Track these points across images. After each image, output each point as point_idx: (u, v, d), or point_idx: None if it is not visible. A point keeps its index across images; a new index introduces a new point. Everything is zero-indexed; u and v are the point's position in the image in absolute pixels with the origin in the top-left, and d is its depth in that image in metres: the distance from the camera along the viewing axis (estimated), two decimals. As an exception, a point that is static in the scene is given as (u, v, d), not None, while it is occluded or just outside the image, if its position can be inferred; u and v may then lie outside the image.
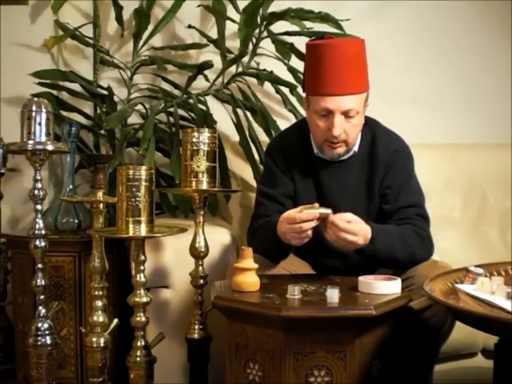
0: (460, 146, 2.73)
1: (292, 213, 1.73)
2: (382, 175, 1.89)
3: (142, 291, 1.75)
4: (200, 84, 2.59)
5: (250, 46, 2.56)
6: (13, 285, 2.34)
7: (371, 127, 1.94)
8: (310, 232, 1.71)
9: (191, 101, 2.45)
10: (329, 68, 1.78)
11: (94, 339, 1.90)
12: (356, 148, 1.90)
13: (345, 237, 1.67)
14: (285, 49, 2.61)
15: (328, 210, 1.69)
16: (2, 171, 2.37)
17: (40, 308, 1.81)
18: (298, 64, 2.52)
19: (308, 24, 2.55)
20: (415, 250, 1.79)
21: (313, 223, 1.69)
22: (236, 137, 2.47)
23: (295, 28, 2.54)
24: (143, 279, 1.75)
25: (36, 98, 1.80)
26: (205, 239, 1.95)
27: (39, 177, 1.78)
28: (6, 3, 2.59)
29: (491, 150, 2.72)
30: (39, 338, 1.79)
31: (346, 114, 1.80)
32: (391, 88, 2.83)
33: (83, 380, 2.19)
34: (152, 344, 1.83)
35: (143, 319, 1.76)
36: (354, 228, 1.68)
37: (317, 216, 1.68)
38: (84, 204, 2.33)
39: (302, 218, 1.69)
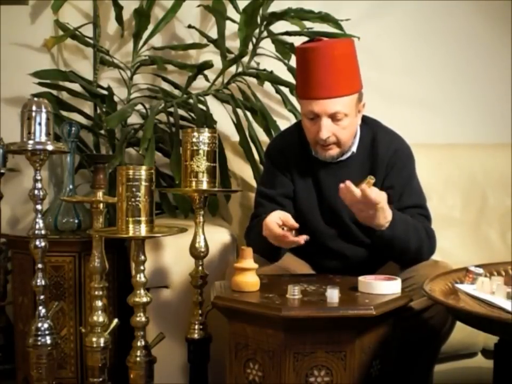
0: (460, 146, 2.73)
1: (273, 228, 1.73)
2: (383, 175, 1.89)
3: (142, 291, 1.75)
4: (200, 83, 2.59)
5: (250, 46, 2.56)
6: (13, 285, 2.34)
7: (371, 127, 1.94)
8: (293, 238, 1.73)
9: (191, 101, 2.45)
10: (314, 71, 1.77)
11: (94, 339, 1.90)
12: (354, 149, 1.90)
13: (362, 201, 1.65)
14: (285, 49, 2.61)
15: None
16: (2, 171, 2.37)
17: (40, 308, 1.81)
18: (298, 64, 2.52)
19: (308, 24, 2.55)
20: (424, 245, 1.79)
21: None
22: (236, 137, 2.47)
23: (295, 28, 2.54)
24: (143, 279, 1.75)
25: (35, 98, 1.80)
26: (205, 239, 1.95)
27: (39, 177, 1.78)
28: (6, 3, 2.59)
29: (491, 150, 2.71)
30: (39, 338, 1.79)
31: (333, 117, 1.79)
32: (391, 88, 2.83)
33: (83, 380, 2.19)
34: (152, 344, 1.83)
35: (143, 319, 1.76)
36: (374, 199, 1.64)
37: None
38: (84, 204, 2.33)
39: (284, 237, 1.72)
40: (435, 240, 1.84)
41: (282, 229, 1.72)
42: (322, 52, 1.77)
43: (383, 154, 1.89)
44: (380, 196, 1.66)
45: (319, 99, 1.77)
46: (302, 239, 1.72)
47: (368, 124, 1.93)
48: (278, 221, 1.73)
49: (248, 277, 1.61)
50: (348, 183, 1.66)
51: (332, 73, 1.76)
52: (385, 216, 1.70)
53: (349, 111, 1.80)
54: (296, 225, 1.74)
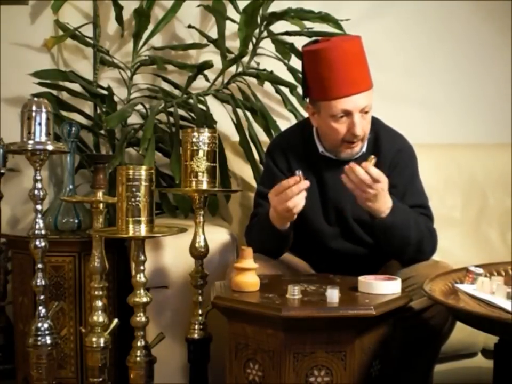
0: (460, 146, 2.73)
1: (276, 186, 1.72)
2: (386, 175, 1.89)
3: (142, 291, 1.75)
4: (200, 83, 2.59)
5: (250, 46, 2.56)
6: (13, 285, 2.34)
7: (374, 127, 1.93)
8: (300, 200, 1.69)
9: (191, 101, 2.45)
10: (338, 69, 1.77)
11: (94, 339, 1.90)
12: (364, 149, 1.90)
13: (365, 179, 1.67)
14: (285, 49, 2.61)
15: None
16: (2, 171, 2.38)
17: (40, 308, 1.81)
18: (298, 64, 2.50)
19: (308, 24, 2.54)
20: (425, 239, 1.79)
21: (301, 187, 1.68)
22: (236, 137, 2.47)
23: (295, 28, 2.54)
24: (143, 279, 1.75)
25: (35, 98, 1.80)
26: (205, 239, 1.95)
27: (39, 177, 1.78)
28: (6, 3, 2.59)
29: (491, 150, 2.72)
30: (39, 338, 1.79)
31: (362, 111, 1.80)
32: (391, 88, 2.83)
33: (83, 380, 2.19)
34: (152, 344, 1.83)
35: (143, 319, 1.76)
36: (376, 176, 1.67)
37: (299, 180, 1.67)
38: (84, 204, 2.33)
39: (288, 184, 1.68)
40: (436, 239, 1.84)
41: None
42: (343, 49, 1.78)
43: (386, 153, 1.89)
44: (381, 175, 1.68)
45: (350, 95, 1.77)
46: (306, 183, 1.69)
47: (371, 123, 1.93)
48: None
49: (248, 277, 1.61)
50: (352, 163, 1.69)
51: (355, 68, 1.78)
52: (385, 201, 1.71)
53: (371, 104, 1.82)
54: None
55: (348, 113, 1.79)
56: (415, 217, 1.79)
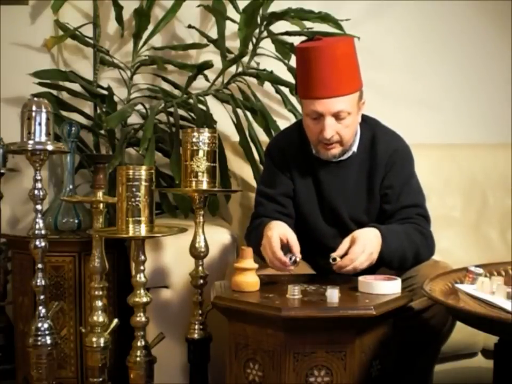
0: (460, 146, 2.73)
1: (271, 249, 1.70)
2: (383, 175, 1.89)
3: (142, 291, 1.75)
4: (200, 84, 2.59)
5: (250, 46, 2.56)
6: (13, 285, 2.34)
7: (371, 127, 1.94)
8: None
9: (191, 101, 2.45)
10: (316, 71, 1.76)
11: (94, 339, 1.90)
12: (354, 148, 1.90)
13: (359, 266, 1.66)
14: (285, 49, 2.61)
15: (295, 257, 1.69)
16: (2, 171, 2.38)
17: (40, 308, 1.81)
18: (298, 64, 2.52)
19: (308, 24, 2.55)
20: (420, 248, 1.79)
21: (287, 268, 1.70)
22: (236, 137, 2.47)
23: (295, 28, 2.54)
24: (143, 279, 1.75)
25: (36, 98, 1.80)
26: (205, 239, 1.95)
27: (39, 177, 1.78)
28: (6, 3, 2.59)
29: (491, 150, 2.72)
30: (39, 338, 1.79)
31: (336, 116, 1.78)
32: (391, 88, 2.83)
33: (83, 380, 2.19)
34: (152, 344, 1.83)
35: (143, 319, 1.76)
36: (357, 253, 1.66)
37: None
38: (84, 204, 2.33)
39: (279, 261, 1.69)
40: (433, 239, 1.84)
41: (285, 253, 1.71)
42: (324, 51, 1.77)
43: (382, 153, 1.89)
44: (355, 254, 1.66)
45: (323, 98, 1.77)
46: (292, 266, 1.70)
47: (367, 123, 1.93)
48: (279, 240, 1.71)
49: (248, 277, 1.61)
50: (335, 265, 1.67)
51: (334, 72, 1.76)
52: (372, 252, 1.69)
53: (352, 109, 1.80)
54: (298, 252, 1.71)
55: (320, 115, 1.79)
56: (406, 232, 1.79)
